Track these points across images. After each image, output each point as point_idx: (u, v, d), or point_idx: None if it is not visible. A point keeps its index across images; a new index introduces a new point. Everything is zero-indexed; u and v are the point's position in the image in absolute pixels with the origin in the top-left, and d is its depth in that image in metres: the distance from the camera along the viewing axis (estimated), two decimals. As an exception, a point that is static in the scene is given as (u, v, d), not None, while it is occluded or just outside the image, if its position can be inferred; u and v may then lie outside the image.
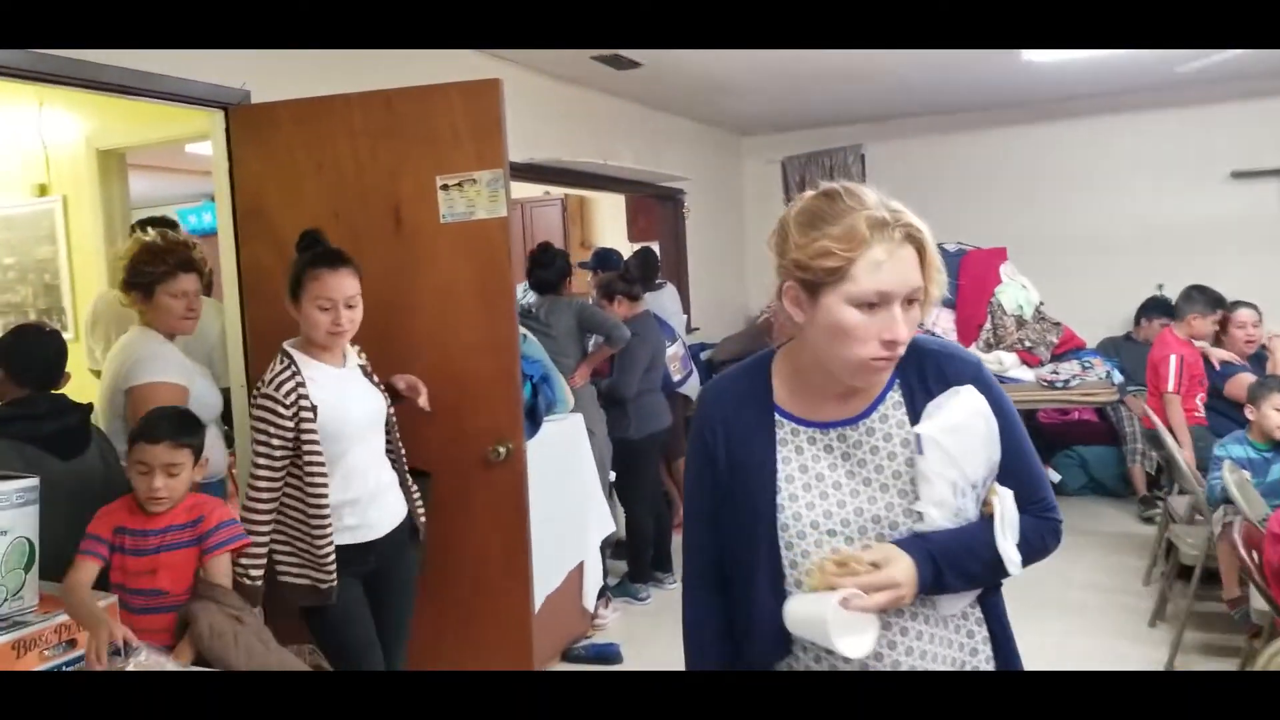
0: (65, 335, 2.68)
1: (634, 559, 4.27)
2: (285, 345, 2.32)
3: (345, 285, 2.27)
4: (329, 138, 2.84)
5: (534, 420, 3.30)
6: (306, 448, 2.22)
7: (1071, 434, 5.59)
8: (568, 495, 3.51)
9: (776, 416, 1.31)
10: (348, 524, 2.30)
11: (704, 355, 5.68)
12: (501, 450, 2.77)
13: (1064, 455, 5.53)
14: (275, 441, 2.20)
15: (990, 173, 6.42)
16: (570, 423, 3.63)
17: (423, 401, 2.52)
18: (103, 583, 2.09)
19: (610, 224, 7.31)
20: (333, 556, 2.24)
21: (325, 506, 2.23)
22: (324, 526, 2.23)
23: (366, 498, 2.34)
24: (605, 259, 4.93)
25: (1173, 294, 5.83)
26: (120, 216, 3.85)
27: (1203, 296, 4.31)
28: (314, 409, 2.23)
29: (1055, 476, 5.47)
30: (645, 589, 4.24)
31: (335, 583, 2.25)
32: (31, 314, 3.97)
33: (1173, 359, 4.20)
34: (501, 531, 2.83)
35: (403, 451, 2.53)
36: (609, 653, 3.61)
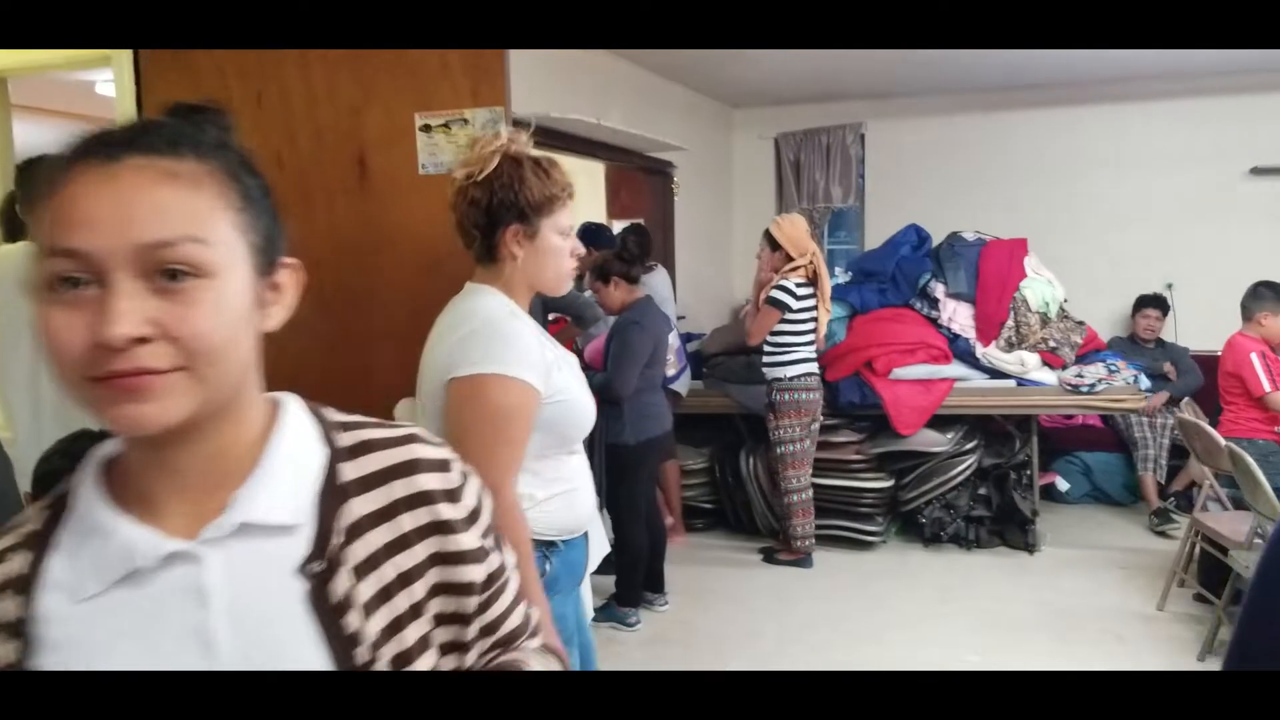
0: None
1: (624, 580, 3.73)
2: None
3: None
4: (272, 60, 2.25)
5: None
6: None
7: (1074, 439, 5.24)
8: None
9: None
10: None
11: (690, 347, 5.17)
12: (488, 462, 2.22)
13: (1066, 461, 5.19)
14: None
15: (997, 159, 6.00)
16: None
17: None
18: None
19: (585, 199, 6.74)
20: None
21: None
22: None
23: None
24: (596, 236, 4.39)
25: (1182, 294, 5.53)
26: (3, 158, 3.17)
27: (1273, 293, 3.89)
28: None
29: (1063, 485, 5.10)
30: (635, 613, 3.71)
31: None
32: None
33: (1255, 357, 3.78)
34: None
35: None
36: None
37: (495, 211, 1.60)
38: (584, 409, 1.65)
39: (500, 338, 1.54)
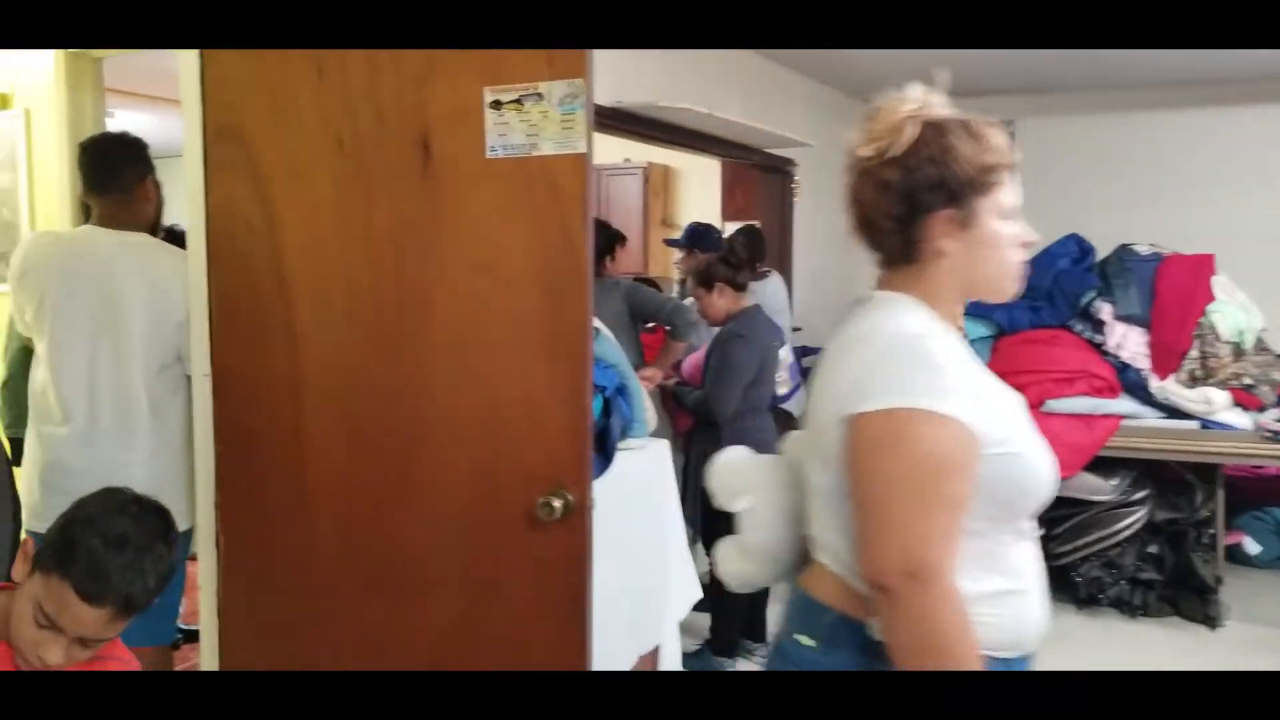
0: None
1: (721, 626, 3.33)
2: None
3: None
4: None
5: (604, 451, 2.37)
6: None
7: (1265, 491, 4.47)
8: (645, 555, 2.57)
9: None
10: None
11: (806, 362, 4.70)
12: (556, 505, 1.83)
13: (1254, 517, 4.42)
14: None
15: (1171, 162, 5.28)
16: (652, 452, 2.68)
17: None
18: None
19: (698, 200, 6.38)
20: None
21: None
22: None
23: None
24: (702, 237, 3.98)
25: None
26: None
27: None
28: None
29: (1253, 547, 4.35)
30: (732, 664, 3.30)
31: None
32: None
33: None
34: (551, 621, 1.90)
35: None
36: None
37: (916, 195, 1.20)
38: (1039, 467, 1.18)
39: (921, 360, 1.15)
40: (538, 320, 1.86)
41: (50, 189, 3.11)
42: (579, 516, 1.85)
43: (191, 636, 2.50)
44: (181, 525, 2.25)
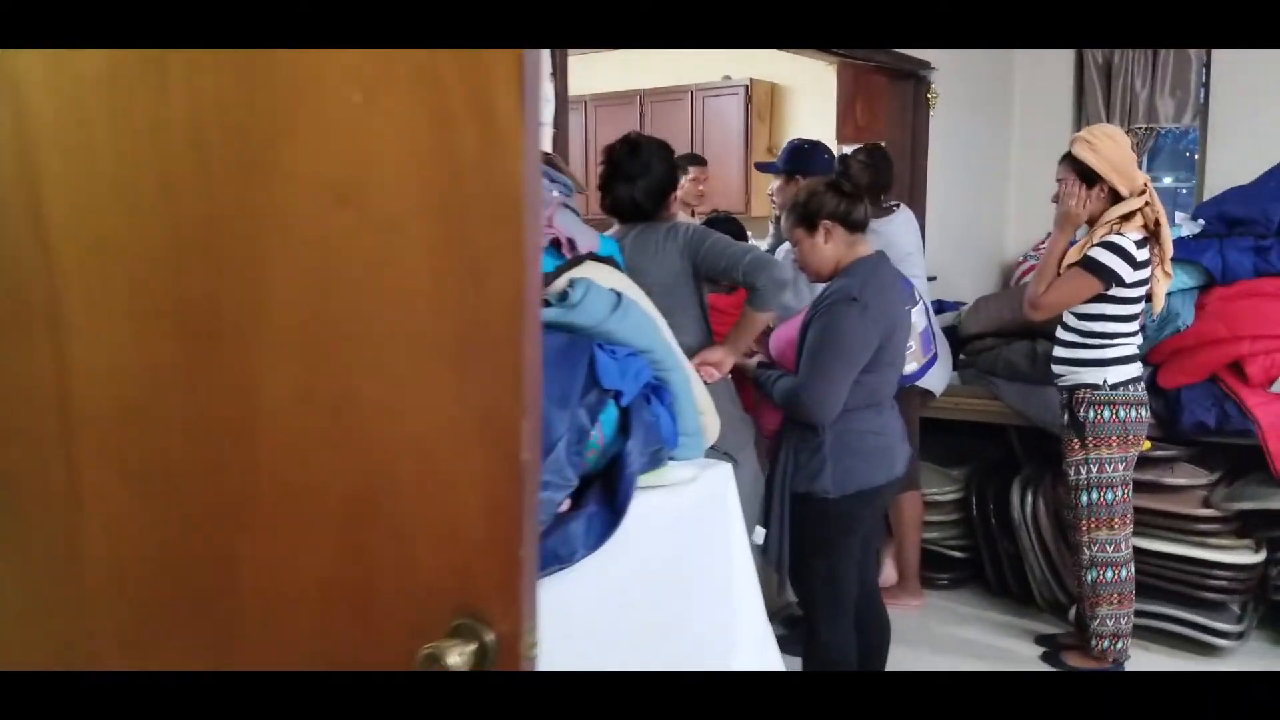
0: None
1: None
2: None
3: None
4: None
5: (613, 497, 1.48)
6: None
7: None
8: (690, 639, 1.67)
9: None
10: None
11: (942, 320, 3.69)
12: (454, 657, 0.94)
13: None
14: None
15: None
16: (707, 485, 1.76)
17: None
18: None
19: (810, 123, 5.43)
20: None
21: None
22: None
23: None
24: (806, 157, 3.01)
25: None
26: None
27: None
28: None
29: None
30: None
31: None
32: None
33: None
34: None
35: None
36: None
37: None
38: None
39: None
40: (437, 293, 0.98)
41: None
42: (507, 661, 0.98)
43: None
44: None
